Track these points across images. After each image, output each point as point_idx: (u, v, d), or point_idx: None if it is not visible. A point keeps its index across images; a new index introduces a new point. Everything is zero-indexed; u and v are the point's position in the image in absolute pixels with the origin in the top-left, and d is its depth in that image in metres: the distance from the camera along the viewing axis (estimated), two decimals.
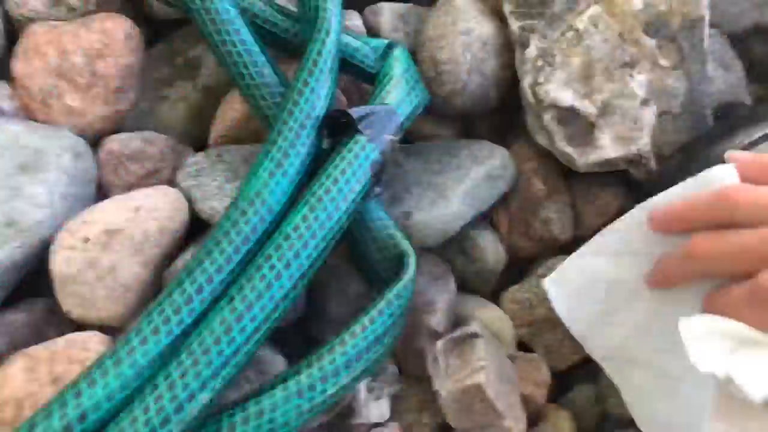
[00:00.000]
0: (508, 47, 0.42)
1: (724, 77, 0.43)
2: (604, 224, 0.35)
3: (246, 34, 0.37)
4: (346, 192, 0.32)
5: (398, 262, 0.33)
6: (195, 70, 0.44)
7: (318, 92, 0.34)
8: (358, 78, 0.41)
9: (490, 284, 0.41)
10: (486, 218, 0.41)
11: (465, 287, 0.40)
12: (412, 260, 0.33)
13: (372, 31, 0.44)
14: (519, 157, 0.42)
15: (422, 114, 0.40)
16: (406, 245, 0.34)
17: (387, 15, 0.44)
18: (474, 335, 0.35)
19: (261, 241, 0.31)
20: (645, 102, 0.39)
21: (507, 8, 0.41)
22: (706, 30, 0.40)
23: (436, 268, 0.39)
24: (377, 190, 0.35)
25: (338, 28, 0.36)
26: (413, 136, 0.43)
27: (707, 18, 0.40)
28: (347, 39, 0.39)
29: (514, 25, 0.41)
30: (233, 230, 0.30)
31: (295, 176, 0.32)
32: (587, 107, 0.39)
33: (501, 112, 0.44)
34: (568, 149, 0.39)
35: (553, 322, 0.37)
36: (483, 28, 0.42)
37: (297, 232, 0.30)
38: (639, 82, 0.39)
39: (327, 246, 0.31)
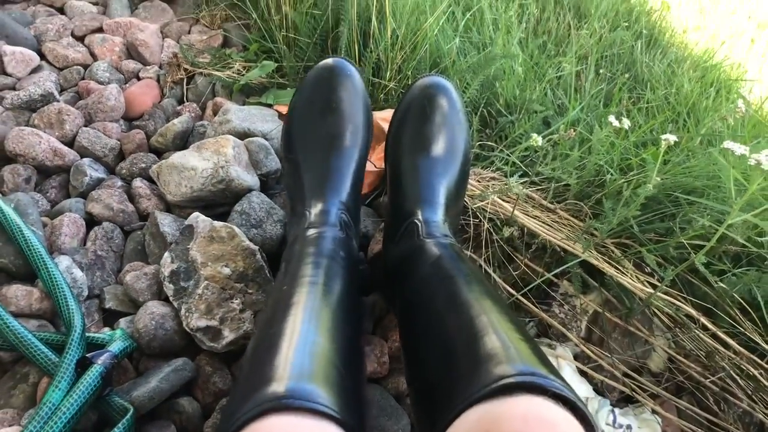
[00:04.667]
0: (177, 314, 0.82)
1: None
2: None
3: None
4: (91, 387, 0.68)
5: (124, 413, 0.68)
6: None
7: (72, 359, 0.71)
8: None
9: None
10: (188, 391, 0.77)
11: None
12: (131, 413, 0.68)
13: None
14: (198, 358, 0.79)
15: (136, 354, 0.78)
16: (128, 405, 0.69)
17: None
18: None
19: None
20: (242, 310, 0.80)
21: (169, 292, 0.83)
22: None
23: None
24: (107, 389, 0.71)
25: (82, 329, 0.75)
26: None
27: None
28: (92, 335, 0.78)
29: (175, 302, 0.82)
30: None
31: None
32: (214, 323, 0.79)
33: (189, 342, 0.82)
34: (212, 343, 0.78)
35: None
36: (163, 308, 0.82)
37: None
38: (237, 302, 0.80)
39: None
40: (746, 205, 0.71)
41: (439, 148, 0.83)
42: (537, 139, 0.86)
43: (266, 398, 0.44)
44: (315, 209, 0.78)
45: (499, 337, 0.52)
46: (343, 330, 0.57)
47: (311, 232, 0.74)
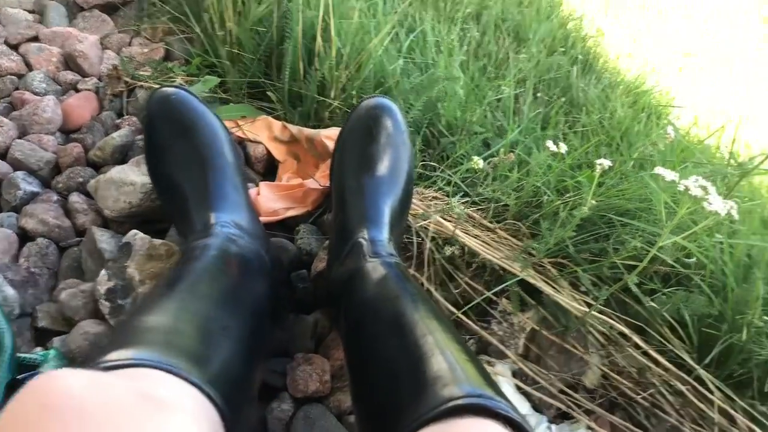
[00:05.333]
0: None
1: None
2: None
3: None
4: None
5: None
6: None
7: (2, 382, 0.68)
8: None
9: None
10: None
11: None
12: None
13: None
14: None
15: None
16: None
17: None
18: None
19: None
20: None
21: (105, 311, 0.81)
22: None
23: None
24: None
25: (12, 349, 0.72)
26: None
27: None
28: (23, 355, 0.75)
29: (112, 321, 0.80)
30: None
31: None
32: None
33: None
34: None
35: None
36: (98, 327, 0.80)
37: None
38: None
39: None
40: (676, 227, 0.75)
41: (384, 168, 0.84)
42: (478, 162, 0.88)
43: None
44: (197, 226, 0.76)
45: (445, 358, 0.52)
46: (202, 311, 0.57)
47: (190, 246, 0.72)
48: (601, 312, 0.91)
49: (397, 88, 1.12)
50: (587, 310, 0.89)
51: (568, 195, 0.98)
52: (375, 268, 0.72)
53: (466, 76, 1.23)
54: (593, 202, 0.85)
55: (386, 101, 0.89)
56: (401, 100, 1.09)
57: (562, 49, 1.60)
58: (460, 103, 1.14)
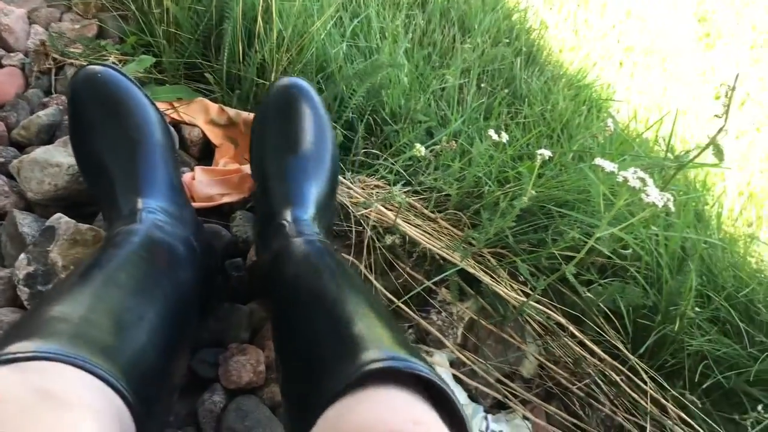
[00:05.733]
0: None
1: None
2: None
3: None
4: None
5: None
6: None
7: None
8: None
9: None
10: None
11: None
12: None
13: None
14: None
15: None
16: None
17: None
18: None
19: None
20: None
21: (23, 297, 0.76)
22: None
23: None
24: None
25: None
26: None
27: None
28: None
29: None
30: None
31: None
32: None
33: None
34: None
35: None
36: (13, 315, 0.75)
37: None
38: None
39: None
40: (613, 219, 0.75)
41: (305, 148, 0.82)
42: (420, 149, 0.87)
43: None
44: (123, 211, 0.72)
45: (364, 325, 0.52)
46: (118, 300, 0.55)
47: (111, 233, 0.68)
48: (538, 302, 0.92)
49: (339, 74, 1.10)
50: (525, 300, 0.90)
51: (508, 185, 0.99)
52: (297, 247, 0.70)
53: (410, 64, 1.22)
54: (533, 192, 0.85)
55: (300, 81, 0.87)
56: (344, 86, 1.07)
57: (507, 41, 1.60)
58: (404, 91, 1.13)
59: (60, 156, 0.86)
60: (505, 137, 0.87)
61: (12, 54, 1.12)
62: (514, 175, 0.99)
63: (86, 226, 0.81)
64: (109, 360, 0.45)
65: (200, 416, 0.75)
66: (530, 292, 0.93)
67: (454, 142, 0.98)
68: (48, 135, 0.99)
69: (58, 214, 0.81)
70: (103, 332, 0.48)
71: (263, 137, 0.85)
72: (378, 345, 0.49)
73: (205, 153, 1.06)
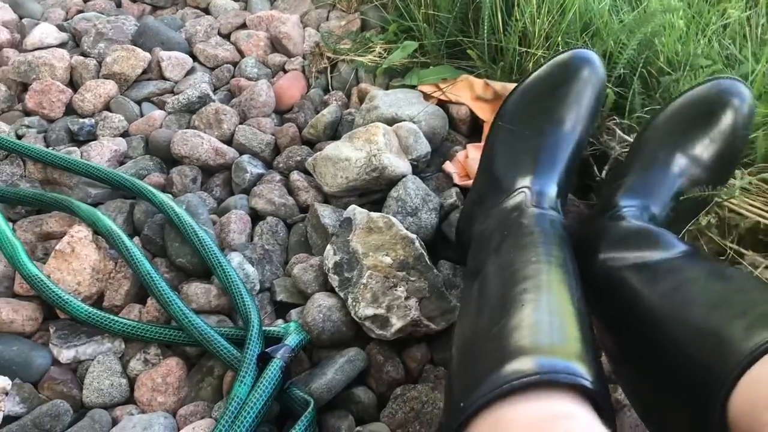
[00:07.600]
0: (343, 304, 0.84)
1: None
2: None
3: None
4: (273, 381, 0.70)
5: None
6: None
7: (254, 354, 0.74)
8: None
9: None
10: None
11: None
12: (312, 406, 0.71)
13: None
14: (368, 347, 0.81)
15: (309, 345, 0.80)
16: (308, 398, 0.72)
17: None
18: None
19: None
20: (407, 298, 0.80)
21: (334, 284, 0.84)
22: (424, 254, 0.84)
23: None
24: (288, 383, 0.74)
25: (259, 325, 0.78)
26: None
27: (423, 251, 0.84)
28: (268, 328, 0.81)
29: (341, 293, 0.83)
30: None
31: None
32: (381, 311, 0.79)
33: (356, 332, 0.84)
34: (381, 332, 0.79)
35: None
36: (329, 300, 0.84)
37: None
38: (402, 290, 0.81)
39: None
40: None
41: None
42: None
43: (510, 376, 0.41)
44: (533, 187, 0.76)
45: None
46: (579, 311, 0.54)
47: (534, 211, 0.72)
48: None
49: (606, 29, 1.03)
50: None
51: None
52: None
53: (683, 3, 1.10)
54: None
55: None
56: (612, 41, 1.00)
57: None
58: (680, 35, 1.02)
59: (347, 150, 0.93)
60: None
61: (292, 59, 1.24)
62: None
63: (378, 214, 0.86)
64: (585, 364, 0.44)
65: None
66: None
67: None
68: (332, 131, 1.07)
69: (353, 206, 0.88)
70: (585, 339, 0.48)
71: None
72: None
73: (474, 130, 1.07)
